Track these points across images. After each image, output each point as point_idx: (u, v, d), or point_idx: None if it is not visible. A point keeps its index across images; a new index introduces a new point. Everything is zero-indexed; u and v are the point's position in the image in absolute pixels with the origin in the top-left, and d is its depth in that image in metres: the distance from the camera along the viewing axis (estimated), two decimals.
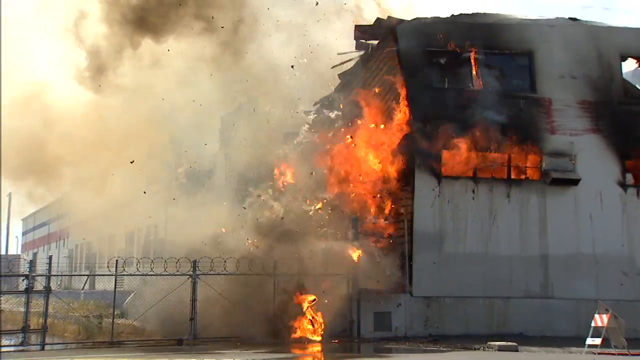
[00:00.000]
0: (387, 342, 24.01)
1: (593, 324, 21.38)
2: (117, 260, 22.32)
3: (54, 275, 21.61)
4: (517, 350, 21.83)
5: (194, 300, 23.19)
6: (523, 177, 26.72)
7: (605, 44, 27.87)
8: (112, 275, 22.38)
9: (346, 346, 23.35)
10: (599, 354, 20.64)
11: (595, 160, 26.86)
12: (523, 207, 26.41)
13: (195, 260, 23.24)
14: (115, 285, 22.45)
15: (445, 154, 26.02)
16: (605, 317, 21.17)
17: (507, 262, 26.09)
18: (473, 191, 26.14)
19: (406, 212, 25.98)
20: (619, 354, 20.68)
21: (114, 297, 22.30)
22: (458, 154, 26.03)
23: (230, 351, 20.52)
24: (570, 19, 28.73)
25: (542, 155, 26.72)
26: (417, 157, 25.65)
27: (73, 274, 22.72)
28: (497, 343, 22.56)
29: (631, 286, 26.51)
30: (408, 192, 26.07)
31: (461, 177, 26.16)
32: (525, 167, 26.68)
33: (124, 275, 22.76)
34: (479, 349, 22.07)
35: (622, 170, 27.28)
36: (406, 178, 26.08)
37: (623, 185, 27.24)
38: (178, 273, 23.28)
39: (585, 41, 27.82)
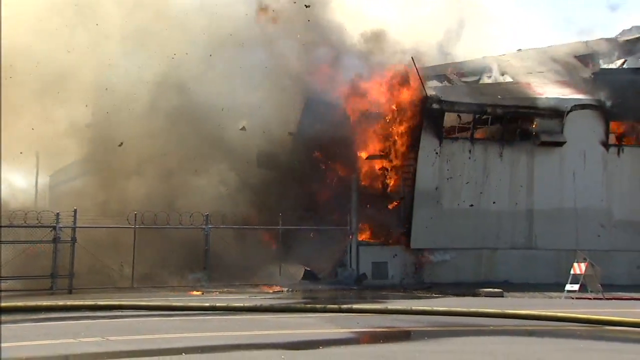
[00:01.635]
0: (384, 289, 24.84)
1: (572, 272, 22.19)
2: (135, 214, 23.14)
3: (79, 227, 22.30)
4: (503, 296, 22.52)
5: (207, 250, 24.09)
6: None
7: None
8: (132, 227, 23.12)
9: (345, 293, 24.12)
10: (576, 298, 21.41)
11: (581, 122, 27.29)
12: (513, 166, 26.92)
13: (207, 215, 24.04)
14: (134, 236, 23.17)
15: (447, 116, 26.29)
16: (583, 266, 21.98)
17: (496, 217, 26.75)
18: (470, 151, 26.61)
19: (409, 172, 26.56)
20: (594, 299, 21.50)
21: (134, 247, 23.07)
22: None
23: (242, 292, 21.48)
24: None
25: (534, 118, 27.12)
26: (425, 120, 25.96)
27: (96, 226, 23.25)
28: (485, 290, 23.37)
29: (607, 237, 27.22)
30: (413, 152, 26.46)
31: (460, 138, 26.61)
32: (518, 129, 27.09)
33: (143, 227, 23.45)
34: (467, 294, 22.80)
35: (606, 131, 27.77)
36: (413, 139, 26.38)
37: (605, 145, 27.75)
38: (192, 226, 24.15)
39: None
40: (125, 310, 16.15)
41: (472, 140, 26.49)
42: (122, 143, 25.76)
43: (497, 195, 26.72)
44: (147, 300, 17.96)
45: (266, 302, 18.28)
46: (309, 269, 25.29)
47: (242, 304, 17.29)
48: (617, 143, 27.97)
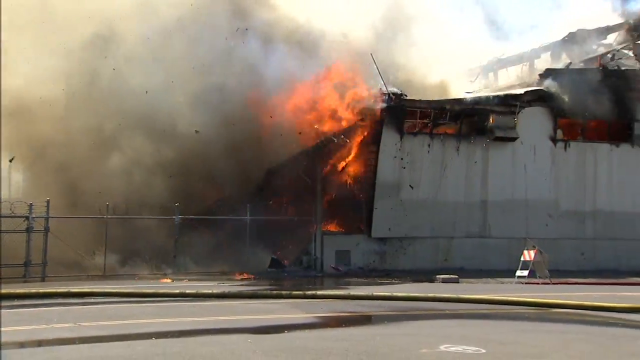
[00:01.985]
0: (347, 276, 25.06)
1: (522, 259, 22.73)
2: (107, 205, 22.99)
3: (52, 217, 22.02)
4: (458, 282, 22.93)
5: (176, 239, 24.02)
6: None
7: None
8: (103, 217, 22.93)
9: (310, 280, 24.29)
10: (526, 283, 21.94)
11: (532, 119, 27.80)
12: (469, 159, 27.32)
13: (177, 205, 23.95)
14: (106, 227, 23.00)
15: (408, 112, 26.45)
16: (532, 253, 22.53)
17: (452, 207, 27.13)
18: (429, 145, 26.89)
19: (370, 165, 26.76)
20: (542, 283, 22.05)
21: (105, 236, 22.90)
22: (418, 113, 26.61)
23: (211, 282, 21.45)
24: None
25: (490, 115, 27.56)
26: (386, 116, 26.14)
27: (69, 216, 22.98)
28: (442, 276, 23.75)
29: (555, 226, 27.87)
30: (375, 146, 26.67)
31: (420, 133, 26.88)
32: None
33: (114, 217, 23.29)
34: (425, 280, 23.18)
35: (554, 127, 28.36)
36: (374, 134, 26.55)
37: (554, 140, 28.35)
38: (162, 217, 24.04)
39: None
40: (97, 297, 16.08)
41: (432, 135, 26.79)
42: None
43: (454, 187, 27.11)
44: (118, 288, 17.86)
45: (234, 289, 18.33)
46: (275, 257, 25.37)
47: (210, 291, 17.32)
48: (564, 138, 28.54)
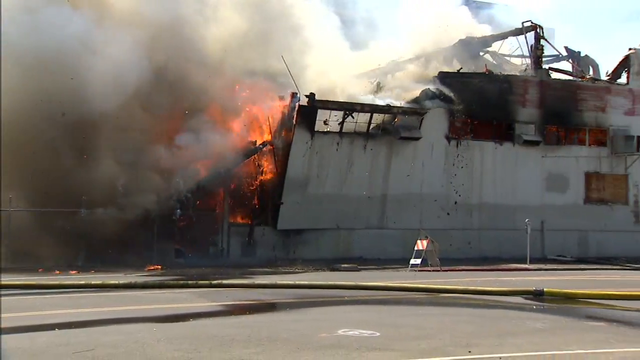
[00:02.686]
0: (253, 266, 24.88)
1: (416, 248, 23.42)
2: (10, 197, 21.85)
3: None
4: (358, 270, 23.34)
5: (83, 232, 23.10)
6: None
7: None
8: (7, 210, 21.81)
9: (216, 270, 23.97)
10: (419, 271, 22.62)
11: (432, 118, 28.49)
12: (374, 157, 27.68)
13: (84, 198, 23.06)
14: (10, 219, 21.87)
15: (320, 113, 26.33)
16: (425, 242, 23.25)
17: (355, 201, 27.43)
18: (338, 144, 27.12)
19: (282, 162, 26.75)
20: (433, 271, 22.82)
21: (9, 229, 21.77)
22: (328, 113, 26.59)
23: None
24: None
25: (398, 115, 28.03)
26: (299, 116, 25.99)
27: None
28: (342, 265, 24.20)
29: (446, 218, 28.81)
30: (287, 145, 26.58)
31: (330, 132, 26.99)
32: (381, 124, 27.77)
33: (19, 210, 22.25)
34: (327, 269, 23.43)
35: (449, 126, 29.33)
36: (287, 132, 26.39)
37: (448, 139, 29.33)
38: (70, 209, 23.09)
39: None
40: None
41: (341, 134, 27.07)
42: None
43: (358, 182, 27.41)
44: (23, 280, 16.98)
45: (141, 280, 17.87)
46: (180, 248, 24.85)
47: (117, 281, 16.80)
48: (456, 137, 29.52)
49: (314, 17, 29.29)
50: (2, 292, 14.73)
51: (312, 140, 26.36)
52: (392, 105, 27.71)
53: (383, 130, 27.68)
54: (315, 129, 26.33)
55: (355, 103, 26.95)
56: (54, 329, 10.31)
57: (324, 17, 30.86)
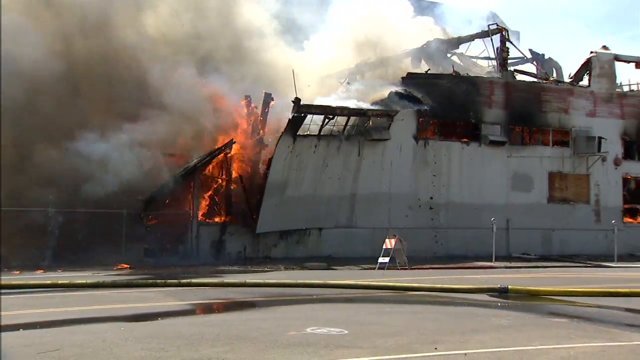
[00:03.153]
0: (222, 265, 24.73)
1: (384, 247, 23.53)
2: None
3: None
4: (327, 269, 23.42)
5: (50, 230, 22.75)
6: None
7: None
8: None
9: (186, 269, 23.72)
10: (387, 269, 22.76)
11: (401, 119, 28.69)
12: (347, 158, 27.72)
13: (50, 197, 22.69)
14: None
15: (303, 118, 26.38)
16: (393, 241, 23.34)
17: (326, 201, 27.47)
18: (315, 146, 27.09)
19: (257, 164, 26.86)
20: (401, 269, 22.97)
21: None
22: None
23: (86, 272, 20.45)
24: None
25: (371, 117, 28.15)
26: (288, 125, 26.01)
27: None
28: (312, 263, 24.21)
29: (413, 217, 29.03)
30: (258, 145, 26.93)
31: (310, 135, 26.96)
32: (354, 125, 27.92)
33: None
34: (296, 268, 23.47)
35: (417, 126, 29.55)
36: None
37: (416, 139, 29.54)
38: (34, 209, 22.68)
39: None
40: None
41: (319, 137, 27.09)
42: None
43: (331, 182, 27.45)
44: None
45: (109, 279, 17.62)
46: (148, 247, 24.61)
47: (84, 281, 16.54)
48: (424, 137, 29.78)
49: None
50: None
51: (293, 144, 26.39)
52: (367, 108, 27.83)
53: (357, 132, 27.78)
54: (297, 133, 26.46)
55: (335, 107, 26.95)
56: (19, 330, 10.11)
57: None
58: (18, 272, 20.38)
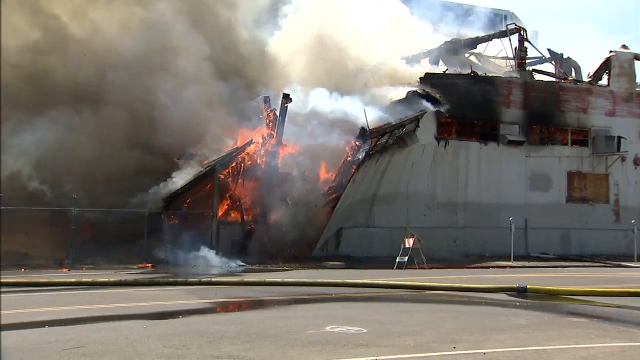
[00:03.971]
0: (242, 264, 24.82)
1: (402, 246, 23.51)
2: (1, 196, 21.68)
3: None
4: (346, 268, 23.41)
5: (73, 229, 22.97)
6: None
7: None
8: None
9: (206, 267, 23.81)
10: (405, 268, 22.74)
11: (423, 121, 28.57)
12: (377, 163, 27.64)
13: (74, 197, 22.97)
14: (0, 213, 21.70)
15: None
16: (411, 240, 23.32)
17: (350, 202, 27.37)
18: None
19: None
20: (419, 268, 22.91)
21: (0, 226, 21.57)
22: None
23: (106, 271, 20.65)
24: None
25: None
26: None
27: None
28: (330, 262, 24.21)
29: (431, 216, 28.90)
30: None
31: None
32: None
33: (7, 208, 22.08)
34: (315, 268, 23.40)
35: (438, 127, 29.42)
36: None
37: (437, 139, 29.41)
38: (59, 208, 22.93)
39: None
40: None
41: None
42: None
43: (359, 186, 27.31)
44: (13, 278, 16.84)
45: (131, 277, 17.78)
46: (171, 247, 24.76)
47: (107, 279, 16.72)
48: (443, 137, 29.61)
49: None
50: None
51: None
52: (403, 119, 27.74)
53: (394, 142, 27.81)
54: None
55: (386, 125, 26.98)
56: (44, 326, 10.24)
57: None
58: (67, 270, 20.63)
